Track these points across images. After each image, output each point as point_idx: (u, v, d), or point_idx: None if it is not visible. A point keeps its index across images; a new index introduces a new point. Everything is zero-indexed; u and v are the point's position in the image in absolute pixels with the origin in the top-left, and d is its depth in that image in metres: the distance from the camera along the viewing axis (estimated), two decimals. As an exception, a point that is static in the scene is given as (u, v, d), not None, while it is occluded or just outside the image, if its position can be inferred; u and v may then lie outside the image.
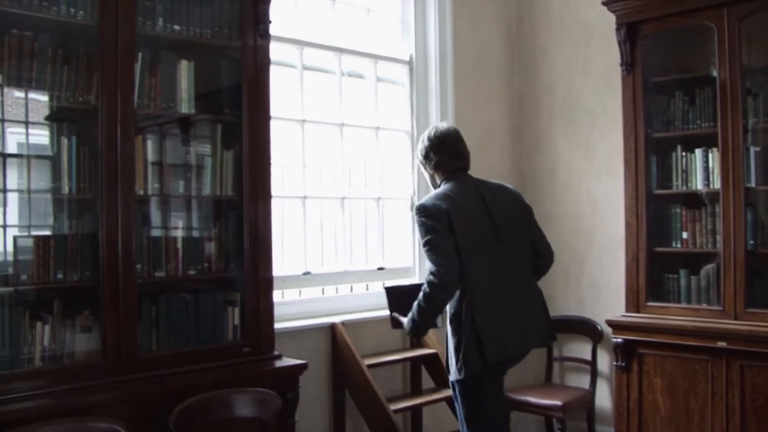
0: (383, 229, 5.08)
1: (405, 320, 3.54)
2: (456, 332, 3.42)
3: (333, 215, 4.86)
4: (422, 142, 3.70)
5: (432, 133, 3.69)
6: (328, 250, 4.81)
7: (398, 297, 3.70)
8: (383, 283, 3.97)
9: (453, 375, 3.46)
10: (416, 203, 3.59)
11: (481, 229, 3.52)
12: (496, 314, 3.43)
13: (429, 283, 3.36)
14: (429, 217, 3.43)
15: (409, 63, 5.24)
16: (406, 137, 5.23)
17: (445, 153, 3.64)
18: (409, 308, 3.47)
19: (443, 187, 3.60)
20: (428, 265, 3.40)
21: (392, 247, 5.16)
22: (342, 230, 4.88)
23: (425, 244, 3.42)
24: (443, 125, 3.77)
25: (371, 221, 5.07)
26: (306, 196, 4.66)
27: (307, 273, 4.60)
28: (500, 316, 3.44)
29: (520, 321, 3.52)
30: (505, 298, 3.50)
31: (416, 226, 3.52)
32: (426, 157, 3.67)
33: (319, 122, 4.74)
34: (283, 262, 4.43)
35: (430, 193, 3.61)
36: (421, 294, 3.40)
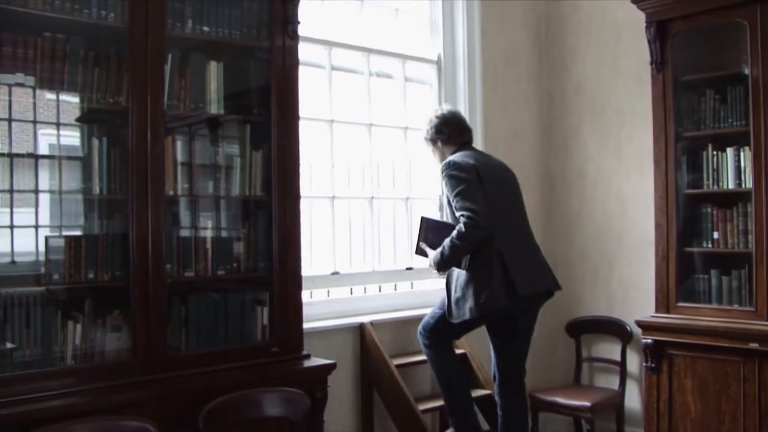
0: (412, 229, 5.07)
1: (432, 252, 3.91)
2: (478, 274, 3.83)
3: (361, 215, 4.86)
4: (430, 122, 4.18)
5: (439, 113, 4.21)
6: (356, 250, 4.82)
7: (429, 229, 4.02)
8: (420, 216, 4.13)
9: (467, 314, 3.86)
10: (445, 162, 3.98)
11: (500, 185, 4.05)
12: (521, 257, 3.96)
13: (465, 224, 3.75)
14: (460, 170, 3.89)
15: (437, 63, 5.24)
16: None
17: (454, 127, 4.17)
18: (436, 243, 3.87)
19: (459, 153, 4.07)
20: (460, 213, 3.78)
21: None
22: (370, 230, 4.88)
23: (458, 194, 3.83)
24: (446, 106, 4.31)
25: (399, 221, 5.07)
26: (334, 197, 4.67)
27: (335, 273, 4.62)
28: (525, 258, 3.99)
29: (538, 264, 4.11)
30: (525, 244, 4.07)
31: (445, 181, 3.92)
32: (438, 131, 4.16)
33: (348, 122, 4.75)
34: (311, 262, 4.44)
35: (458, 152, 4.07)
36: (455, 232, 3.78)
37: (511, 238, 3.96)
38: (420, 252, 4.05)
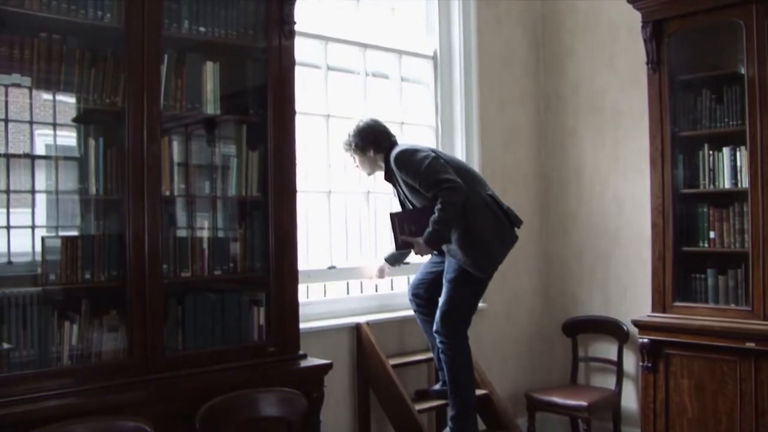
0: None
1: (418, 238, 3.99)
2: (486, 224, 4.11)
3: (357, 210, 4.88)
4: (359, 132, 4.22)
5: (362, 123, 4.24)
6: (352, 245, 4.83)
7: (404, 221, 4.12)
8: (389, 214, 4.24)
9: (497, 260, 4.20)
10: (394, 156, 4.12)
11: (453, 158, 4.36)
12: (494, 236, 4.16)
13: (447, 191, 3.92)
14: (417, 152, 4.10)
15: (434, 62, 5.23)
16: (431, 132, 5.23)
17: (383, 133, 4.25)
18: (419, 230, 3.99)
19: (400, 146, 4.21)
20: (434, 186, 3.94)
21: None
22: (366, 225, 4.89)
23: (426, 170, 3.99)
24: (365, 117, 4.31)
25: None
26: (331, 191, 4.68)
27: (332, 267, 4.62)
28: (494, 235, 4.16)
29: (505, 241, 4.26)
30: (494, 213, 4.18)
31: (406, 168, 4.07)
32: (365, 141, 4.21)
33: (344, 117, 4.74)
34: (308, 256, 4.44)
35: (397, 148, 4.18)
36: (439, 205, 3.92)
37: (486, 189, 4.23)
38: (403, 245, 4.14)
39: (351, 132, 4.25)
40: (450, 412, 4.25)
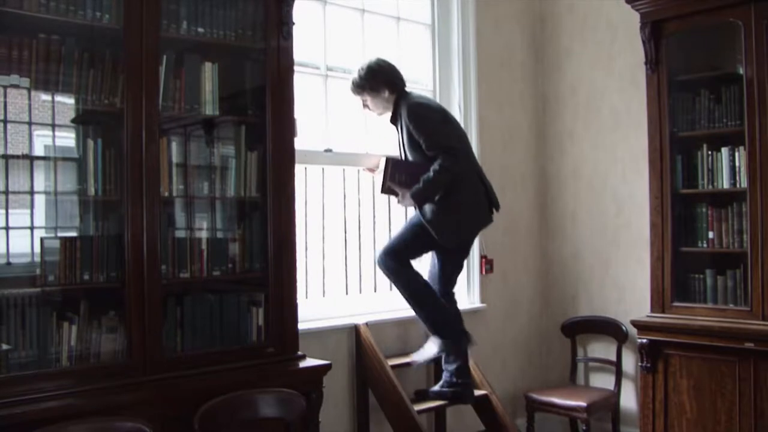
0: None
1: (406, 190, 4.10)
2: (465, 198, 4.19)
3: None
4: (366, 77, 4.21)
5: (372, 65, 4.23)
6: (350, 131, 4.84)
7: (397, 169, 4.19)
8: (385, 157, 4.27)
9: (460, 235, 4.29)
10: (409, 105, 4.17)
11: (459, 125, 4.49)
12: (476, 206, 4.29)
13: (447, 159, 4.02)
14: (431, 110, 4.22)
15: (432, 63, 5.23)
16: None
17: (395, 72, 4.27)
18: (409, 181, 4.09)
19: (415, 95, 4.30)
20: (437, 149, 4.03)
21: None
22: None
23: (436, 130, 4.11)
24: (370, 59, 4.29)
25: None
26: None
27: (328, 150, 4.60)
28: (470, 212, 4.27)
29: (479, 220, 4.37)
30: (477, 191, 4.28)
31: (417, 121, 4.11)
32: (379, 81, 4.20)
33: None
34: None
35: (413, 95, 4.27)
36: (437, 167, 4.02)
37: (476, 165, 4.37)
38: (388, 191, 4.23)
39: (362, 73, 4.24)
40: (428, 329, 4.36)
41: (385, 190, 4.23)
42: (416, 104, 4.18)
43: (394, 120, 4.28)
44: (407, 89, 4.33)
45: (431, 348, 4.30)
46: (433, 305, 4.26)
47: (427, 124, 4.13)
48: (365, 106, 4.35)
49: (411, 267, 4.26)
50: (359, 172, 4.81)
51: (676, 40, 4.58)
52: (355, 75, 4.27)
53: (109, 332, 3.27)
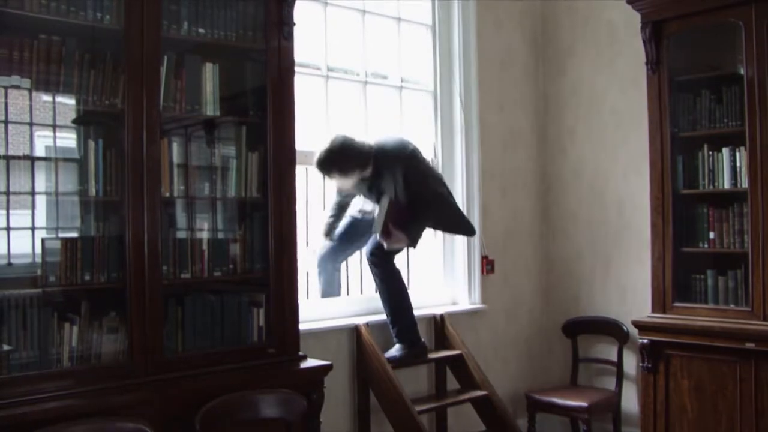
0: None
1: (403, 235, 4.30)
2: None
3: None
4: (333, 165, 4.19)
5: (334, 151, 4.16)
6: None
7: (396, 212, 4.25)
8: (388, 199, 4.35)
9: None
10: (407, 148, 4.36)
11: None
12: None
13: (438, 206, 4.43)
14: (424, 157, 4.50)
15: (433, 65, 5.23)
16: (430, 134, 5.23)
17: (356, 149, 4.24)
18: (401, 222, 4.25)
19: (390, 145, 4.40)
20: (433, 190, 4.40)
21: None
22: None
23: (435, 175, 4.54)
24: (332, 137, 4.24)
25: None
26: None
27: None
28: None
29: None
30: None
31: (420, 161, 4.40)
32: (347, 165, 4.20)
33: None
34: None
35: (394, 138, 4.46)
36: (428, 215, 4.39)
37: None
38: (384, 232, 4.25)
39: (326, 158, 4.19)
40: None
41: (381, 230, 4.24)
42: (414, 148, 4.40)
43: (378, 175, 4.33)
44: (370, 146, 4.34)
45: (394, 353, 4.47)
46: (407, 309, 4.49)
47: (426, 165, 4.49)
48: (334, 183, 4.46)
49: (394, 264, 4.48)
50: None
51: (676, 40, 4.58)
52: (321, 159, 4.22)
53: (110, 333, 3.27)
